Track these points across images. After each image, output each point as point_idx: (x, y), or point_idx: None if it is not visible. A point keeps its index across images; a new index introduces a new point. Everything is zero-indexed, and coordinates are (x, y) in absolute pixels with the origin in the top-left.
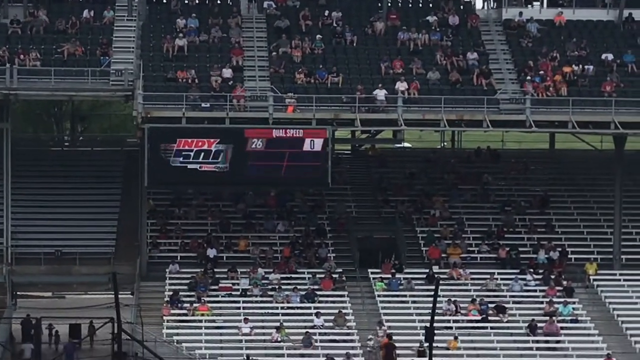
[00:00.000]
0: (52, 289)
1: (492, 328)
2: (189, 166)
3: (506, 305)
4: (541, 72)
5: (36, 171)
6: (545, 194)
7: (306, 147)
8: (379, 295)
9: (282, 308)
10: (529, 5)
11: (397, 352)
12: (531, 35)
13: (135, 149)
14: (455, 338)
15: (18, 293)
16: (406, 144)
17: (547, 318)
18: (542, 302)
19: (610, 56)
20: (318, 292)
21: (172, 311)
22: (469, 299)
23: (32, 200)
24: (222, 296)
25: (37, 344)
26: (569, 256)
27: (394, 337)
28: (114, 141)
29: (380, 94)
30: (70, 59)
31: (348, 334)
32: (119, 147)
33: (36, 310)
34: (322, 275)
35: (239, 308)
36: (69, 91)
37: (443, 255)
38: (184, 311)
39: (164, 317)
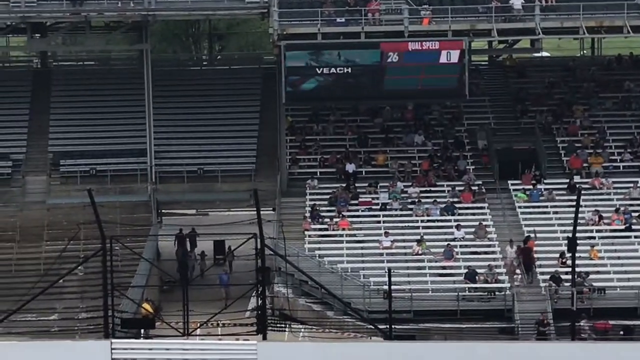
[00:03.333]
0: (196, 206)
1: (635, 237)
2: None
3: None
4: None
5: (176, 91)
6: None
7: (442, 59)
8: (519, 207)
9: (422, 221)
10: None
11: (540, 262)
12: None
13: (272, 66)
14: (593, 247)
15: (163, 211)
16: (544, 53)
17: None
18: None
19: None
20: (458, 205)
21: (313, 226)
22: (612, 209)
23: (173, 119)
24: (362, 210)
25: (184, 258)
26: None
27: (536, 249)
28: (251, 59)
29: (517, 2)
30: None
31: (489, 246)
32: (256, 64)
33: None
34: (462, 188)
35: (379, 222)
36: (206, 10)
37: (584, 164)
38: (325, 226)
39: (306, 232)
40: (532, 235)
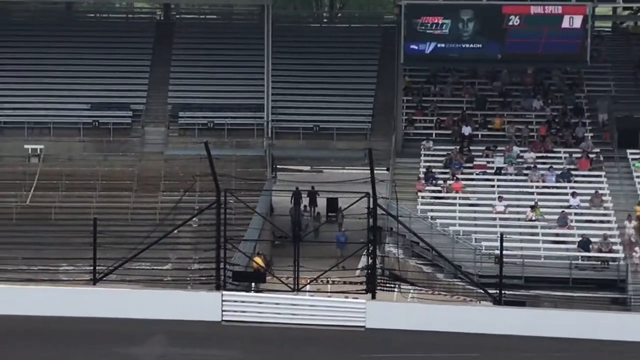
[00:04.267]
0: (310, 163)
1: None
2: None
3: None
4: None
5: (296, 47)
6: None
7: (565, 24)
8: (637, 176)
9: (537, 187)
10: None
11: None
12: None
13: (392, 25)
14: None
15: (277, 166)
16: None
17: None
18: None
19: None
20: (574, 172)
21: (427, 187)
22: None
23: (291, 76)
24: (476, 174)
25: (298, 216)
26: None
27: None
28: (371, 18)
29: None
30: None
31: (605, 215)
32: (376, 23)
33: (295, 184)
34: (579, 155)
35: (493, 186)
36: None
37: None
38: (438, 188)
39: (419, 193)
40: None
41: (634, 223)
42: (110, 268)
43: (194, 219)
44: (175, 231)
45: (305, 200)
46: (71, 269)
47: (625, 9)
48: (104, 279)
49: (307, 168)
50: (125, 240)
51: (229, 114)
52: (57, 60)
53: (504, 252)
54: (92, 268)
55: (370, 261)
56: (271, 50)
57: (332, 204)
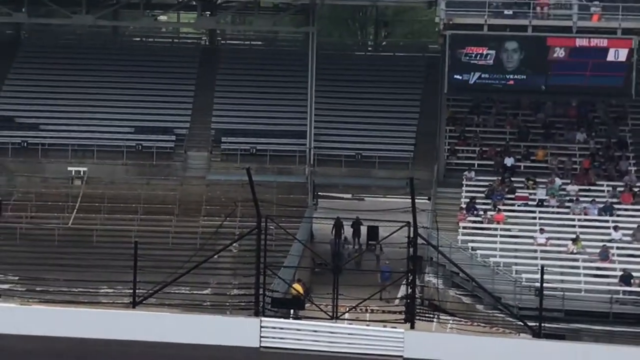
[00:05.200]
0: (352, 190)
1: None
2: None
3: None
4: None
5: (339, 75)
6: None
7: (610, 57)
8: None
9: (579, 220)
10: None
11: None
12: None
13: (436, 54)
14: None
15: (319, 193)
16: None
17: None
18: None
19: None
20: (617, 206)
21: (468, 218)
22: None
23: (334, 103)
24: (518, 205)
25: (338, 246)
26: None
27: None
28: (415, 47)
29: None
30: None
31: None
32: (420, 52)
33: (336, 212)
34: (622, 189)
35: (534, 218)
36: None
37: None
38: (479, 218)
39: (460, 224)
40: None
41: None
42: (150, 292)
43: (234, 244)
44: (216, 256)
45: (347, 230)
46: (111, 291)
47: None
48: (144, 302)
49: (349, 196)
50: (165, 264)
51: (272, 140)
52: (102, 83)
53: (545, 284)
54: (131, 291)
55: (409, 290)
56: (315, 77)
57: (372, 232)
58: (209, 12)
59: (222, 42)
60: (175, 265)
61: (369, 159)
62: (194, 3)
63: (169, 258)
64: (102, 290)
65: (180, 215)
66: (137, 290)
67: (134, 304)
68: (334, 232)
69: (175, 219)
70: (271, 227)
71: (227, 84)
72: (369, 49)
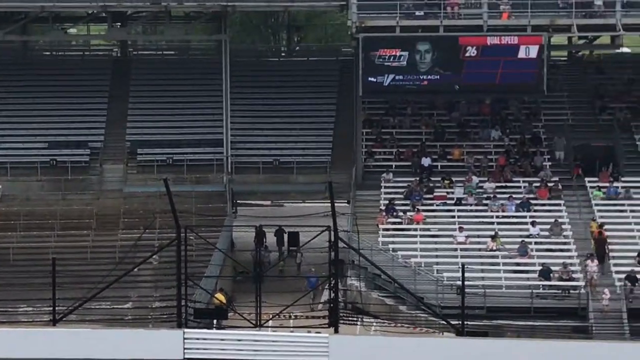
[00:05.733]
0: (271, 197)
1: None
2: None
3: None
4: None
5: (254, 82)
6: None
7: (521, 54)
8: (596, 204)
9: (497, 217)
10: None
11: (615, 261)
12: None
13: (350, 58)
14: None
15: (238, 201)
16: (625, 49)
17: None
18: None
19: None
20: (533, 201)
21: (388, 219)
22: None
23: (250, 110)
24: (436, 205)
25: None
26: None
27: (611, 247)
28: (329, 51)
29: None
30: None
31: (564, 243)
32: (334, 56)
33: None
34: (538, 184)
35: (453, 217)
36: (285, 2)
37: None
38: (399, 220)
39: (380, 226)
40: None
41: (596, 262)
42: (70, 308)
43: (154, 256)
44: (136, 269)
45: (270, 238)
46: (30, 309)
47: (580, 38)
48: (64, 319)
49: (268, 202)
50: (84, 279)
51: (188, 149)
52: (14, 99)
53: (466, 282)
54: (51, 308)
55: (332, 295)
56: (229, 85)
57: (293, 238)
58: (119, 24)
59: (134, 53)
60: (95, 280)
61: (287, 165)
62: (104, 15)
63: (88, 273)
64: (21, 309)
65: (98, 230)
66: (56, 307)
67: (54, 322)
68: (255, 241)
69: (93, 233)
70: (191, 237)
71: (140, 95)
72: (283, 54)
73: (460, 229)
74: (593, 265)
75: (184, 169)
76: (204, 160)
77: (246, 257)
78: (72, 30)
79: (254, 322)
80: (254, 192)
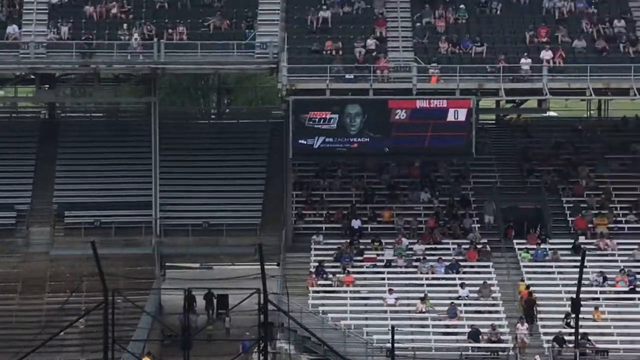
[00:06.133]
0: (200, 260)
1: (639, 299)
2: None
3: None
4: None
5: (183, 144)
6: None
7: (450, 117)
8: (524, 266)
9: (427, 279)
10: None
11: (543, 323)
12: None
13: (280, 121)
14: (596, 308)
15: (166, 264)
16: (552, 113)
17: None
18: None
19: None
20: (463, 263)
21: (318, 282)
22: (617, 270)
23: (179, 172)
24: (366, 267)
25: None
26: None
27: (540, 309)
28: (259, 113)
29: (525, 63)
30: (216, 33)
31: (493, 305)
32: (264, 119)
33: (184, 282)
34: (467, 246)
35: (383, 279)
36: (215, 64)
37: (590, 225)
38: (329, 282)
39: (310, 288)
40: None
41: (526, 325)
42: None
43: (80, 320)
44: (62, 333)
45: (199, 301)
46: None
47: (508, 102)
48: None
49: (197, 265)
50: (9, 343)
51: (116, 212)
52: None
53: (396, 344)
54: None
55: (261, 358)
56: (158, 147)
57: (222, 301)
58: (47, 85)
59: (62, 115)
60: (20, 344)
61: (216, 227)
62: (32, 77)
63: (13, 337)
64: None
65: (23, 293)
66: None
67: None
68: (185, 305)
69: (19, 296)
70: (118, 300)
71: (68, 157)
72: (213, 116)
73: (390, 291)
74: (523, 329)
75: (112, 231)
76: (132, 223)
77: (174, 321)
78: (0, 92)
79: None
80: (182, 255)
